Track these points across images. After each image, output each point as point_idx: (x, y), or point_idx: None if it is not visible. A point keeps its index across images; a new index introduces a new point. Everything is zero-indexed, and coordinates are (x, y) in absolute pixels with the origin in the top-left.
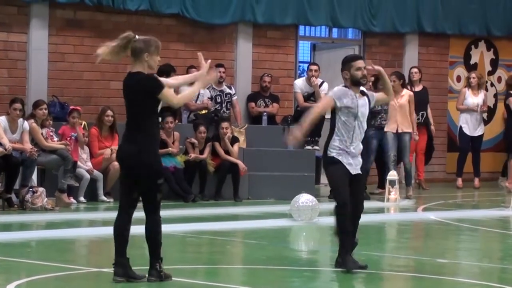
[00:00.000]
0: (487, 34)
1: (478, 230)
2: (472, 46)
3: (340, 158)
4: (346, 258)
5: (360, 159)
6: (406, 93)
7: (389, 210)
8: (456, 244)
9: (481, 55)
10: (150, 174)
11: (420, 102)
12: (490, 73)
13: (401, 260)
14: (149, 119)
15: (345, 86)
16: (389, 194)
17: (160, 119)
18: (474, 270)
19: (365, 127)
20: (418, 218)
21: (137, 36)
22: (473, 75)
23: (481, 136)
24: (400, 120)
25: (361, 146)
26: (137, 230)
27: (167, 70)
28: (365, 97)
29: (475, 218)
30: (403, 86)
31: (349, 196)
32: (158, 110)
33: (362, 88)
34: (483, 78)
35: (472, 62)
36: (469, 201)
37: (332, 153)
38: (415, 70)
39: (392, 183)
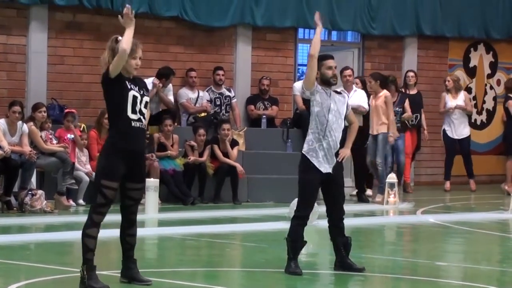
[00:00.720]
0: (486, 37)
1: (477, 233)
2: (472, 49)
3: (309, 155)
4: (291, 262)
5: (334, 159)
6: (383, 94)
7: (388, 212)
8: (455, 247)
9: (480, 58)
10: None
11: (415, 105)
12: (490, 76)
13: (400, 263)
14: (113, 115)
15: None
16: (388, 197)
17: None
18: (473, 273)
19: (342, 125)
20: (417, 221)
21: (119, 37)
22: (448, 78)
23: (467, 138)
24: (376, 120)
25: (338, 145)
26: (140, 232)
27: (166, 73)
28: (343, 95)
29: (474, 221)
30: (383, 86)
31: (328, 199)
32: (127, 108)
33: (336, 89)
34: (458, 80)
35: (471, 65)
36: (468, 204)
37: (304, 148)
38: (411, 74)
39: (391, 186)
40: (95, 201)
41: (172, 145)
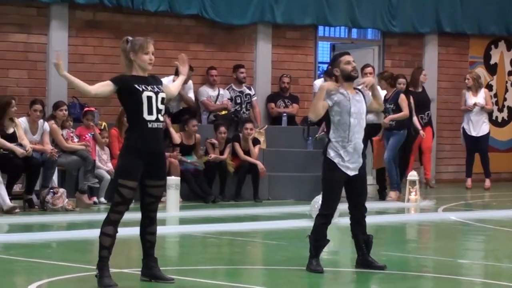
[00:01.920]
0: (507, 34)
1: (498, 230)
2: (492, 46)
3: (336, 160)
4: (312, 260)
5: (360, 160)
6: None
7: (409, 210)
8: (477, 245)
9: (501, 55)
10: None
11: (423, 103)
12: (510, 73)
13: (421, 261)
14: (129, 118)
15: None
16: (409, 194)
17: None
18: (495, 270)
19: (364, 125)
20: (439, 218)
21: (129, 38)
22: (467, 76)
23: (485, 136)
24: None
25: (362, 145)
26: (161, 230)
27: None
28: (360, 94)
29: (495, 218)
30: (393, 86)
31: (350, 199)
32: (142, 110)
33: (356, 86)
34: (479, 78)
35: (492, 62)
36: (489, 202)
37: (330, 154)
38: (425, 72)
39: (412, 183)
40: (113, 200)
41: (194, 144)
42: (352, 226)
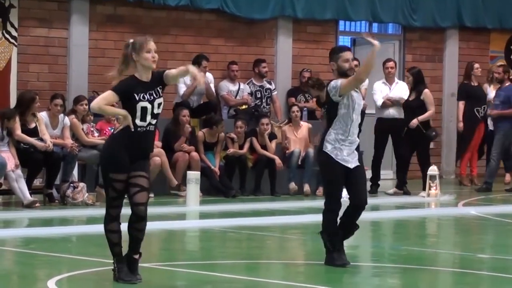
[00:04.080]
0: None
1: None
2: None
3: (334, 154)
4: (334, 255)
5: (356, 153)
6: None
7: (429, 205)
8: (497, 240)
9: None
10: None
11: (478, 96)
12: None
13: (441, 255)
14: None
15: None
16: (429, 189)
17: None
18: None
19: (359, 120)
20: (459, 213)
21: (131, 40)
22: (496, 69)
23: None
24: None
25: (358, 140)
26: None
27: (197, 61)
28: (359, 92)
29: None
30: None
31: (350, 189)
32: (135, 116)
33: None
34: (509, 72)
35: None
36: (510, 197)
37: (327, 147)
38: (477, 66)
39: (432, 178)
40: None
41: (217, 142)
42: (347, 209)
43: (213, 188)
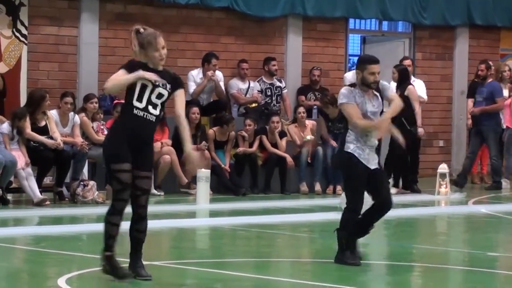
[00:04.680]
0: None
1: None
2: None
3: (356, 153)
4: (346, 253)
5: (376, 155)
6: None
7: (439, 203)
8: (507, 238)
9: None
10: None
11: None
12: None
13: (451, 253)
14: (123, 104)
15: (351, 85)
16: (439, 187)
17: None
18: None
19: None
20: (469, 211)
21: (141, 29)
22: (506, 67)
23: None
24: None
25: (376, 142)
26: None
27: (206, 59)
28: (376, 96)
29: None
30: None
31: (375, 190)
32: (134, 95)
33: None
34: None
35: None
36: None
37: (350, 147)
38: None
39: (442, 176)
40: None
41: (227, 140)
42: (368, 210)
43: (223, 186)
